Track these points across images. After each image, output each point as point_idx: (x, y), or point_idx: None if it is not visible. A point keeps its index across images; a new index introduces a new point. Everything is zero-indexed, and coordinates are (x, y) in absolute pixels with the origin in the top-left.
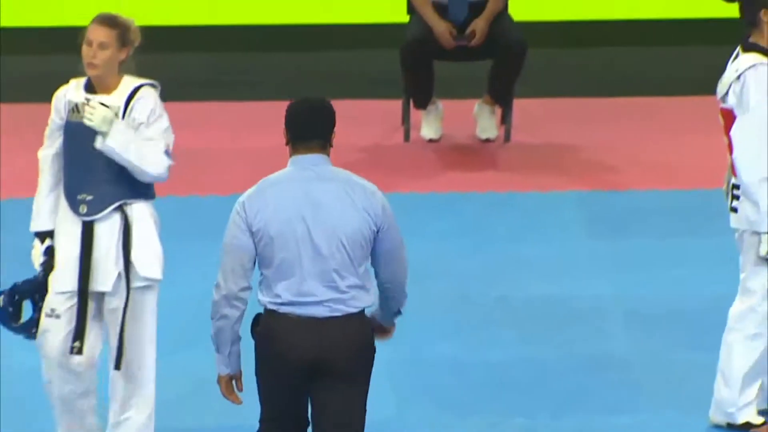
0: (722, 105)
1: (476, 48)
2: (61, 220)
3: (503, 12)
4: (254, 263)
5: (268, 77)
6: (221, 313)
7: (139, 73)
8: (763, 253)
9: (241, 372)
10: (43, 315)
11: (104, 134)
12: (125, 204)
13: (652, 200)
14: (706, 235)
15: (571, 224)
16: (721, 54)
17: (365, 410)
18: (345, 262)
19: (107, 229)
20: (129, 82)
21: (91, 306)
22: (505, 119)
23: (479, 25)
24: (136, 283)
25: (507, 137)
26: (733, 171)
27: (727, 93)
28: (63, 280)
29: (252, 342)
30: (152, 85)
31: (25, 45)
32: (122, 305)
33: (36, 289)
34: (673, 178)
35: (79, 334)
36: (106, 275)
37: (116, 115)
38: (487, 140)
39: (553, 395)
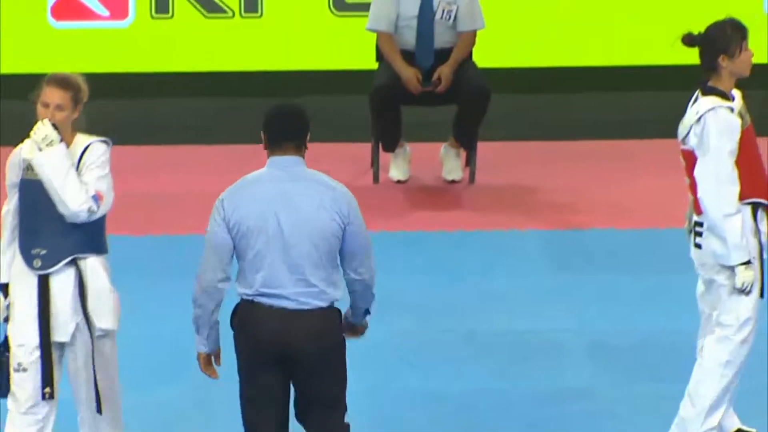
0: (683, 146)
1: (442, 94)
2: (17, 274)
3: (468, 59)
4: (232, 257)
5: (242, 122)
6: (200, 302)
7: (116, 117)
8: (738, 284)
9: (219, 350)
10: (11, 371)
11: (41, 150)
12: (78, 258)
13: (611, 239)
14: (663, 272)
15: (534, 261)
16: (676, 99)
17: (346, 384)
18: (313, 258)
19: (63, 282)
20: (82, 140)
21: (55, 354)
22: (470, 161)
23: (445, 72)
24: (95, 333)
25: (472, 179)
26: (695, 209)
27: (687, 134)
28: (23, 333)
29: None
30: (104, 141)
31: (24, 90)
32: (83, 354)
33: (5, 347)
34: (630, 218)
35: (48, 380)
36: (64, 326)
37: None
38: (453, 181)
39: (520, 426)
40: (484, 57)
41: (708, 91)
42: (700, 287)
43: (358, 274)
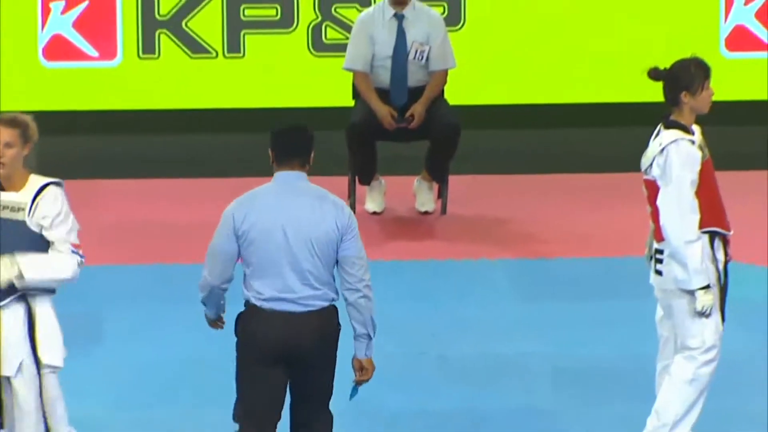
0: (646, 176)
1: (415, 130)
2: None
3: (440, 96)
4: (235, 263)
5: (226, 156)
6: (209, 303)
7: (105, 152)
8: (699, 308)
9: (222, 315)
10: None
11: (16, 279)
12: (28, 294)
13: (575, 267)
14: (623, 299)
15: (502, 289)
16: (635, 135)
17: (332, 387)
18: (316, 264)
19: (11, 318)
20: (35, 181)
21: (4, 387)
22: (442, 194)
23: (418, 109)
24: (42, 370)
25: (444, 210)
26: (656, 237)
27: (651, 165)
28: None
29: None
30: (57, 184)
31: None
32: (27, 390)
33: None
34: (593, 247)
35: None
36: (10, 361)
37: (22, 210)
38: (426, 213)
39: None
40: (455, 95)
41: (670, 125)
42: (659, 312)
43: (354, 285)
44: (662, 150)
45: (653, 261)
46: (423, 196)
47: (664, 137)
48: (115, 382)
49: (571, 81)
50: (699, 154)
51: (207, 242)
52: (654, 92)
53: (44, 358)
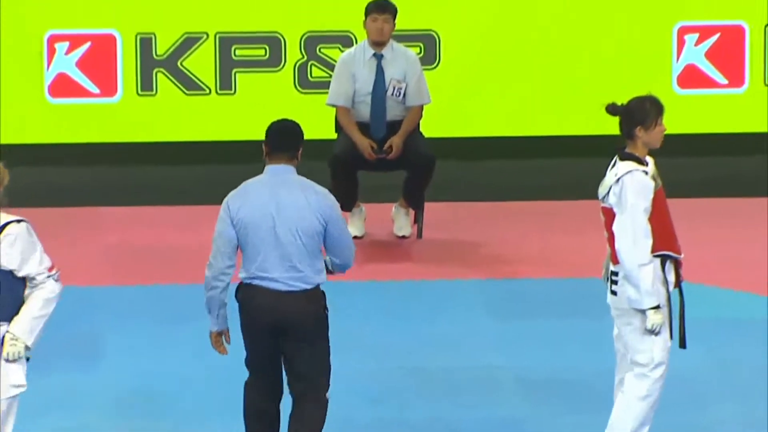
0: (603, 204)
1: (393, 160)
2: None
3: (416, 130)
4: (236, 247)
5: (218, 185)
6: (211, 285)
7: (107, 181)
8: (649, 326)
9: (227, 329)
10: None
11: (27, 351)
12: None
13: (540, 287)
14: (585, 316)
15: (473, 307)
16: (592, 165)
17: (329, 364)
18: (301, 249)
19: None
20: (3, 217)
21: None
22: (418, 219)
23: (395, 142)
24: (8, 394)
25: (419, 234)
26: (612, 260)
27: (607, 194)
28: None
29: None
30: (20, 221)
31: (24, 159)
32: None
33: None
34: (556, 269)
35: None
36: None
37: None
38: (403, 237)
39: None
40: (430, 128)
41: (625, 157)
42: (616, 329)
43: (340, 258)
44: (618, 180)
45: (609, 282)
46: (400, 221)
47: (619, 168)
48: (114, 395)
49: (537, 115)
50: (652, 183)
51: (202, 264)
52: (612, 126)
53: (7, 383)
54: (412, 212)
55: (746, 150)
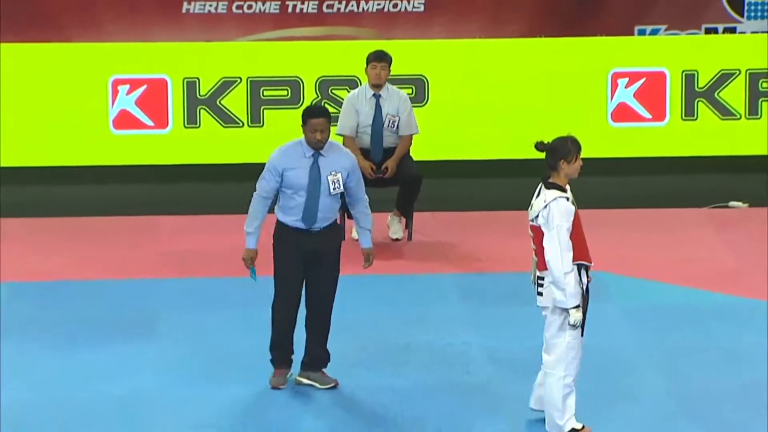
0: (532, 223)
1: (388, 179)
2: None
3: (407, 154)
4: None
5: (247, 197)
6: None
7: (159, 196)
8: (572, 322)
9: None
10: None
11: None
12: None
13: (508, 280)
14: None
15: (452, 296)
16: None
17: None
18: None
19: None
20: None
21: None
22: (408, 226)
23: (390, 164)
24: None
25: (410, 237)
26: (539, 266)
27: (537, 216)
28: None
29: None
30: None
31: (91, 177)
32: None
33: None
34: (521, 265)
35: None
36: None
37: None
38: (396, 240)
39: (438, 408)
40: (420, 152)
41: (550, 186)
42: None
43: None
44: (546, 206)
45: (536, 285)
46: (394, 227)
47: (547, 195)
48: (165, 366)
49: (503, 143)
50: (573, 208)
51: (233, 262)
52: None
53: None
54: (403, 220)
55: (668, 170)
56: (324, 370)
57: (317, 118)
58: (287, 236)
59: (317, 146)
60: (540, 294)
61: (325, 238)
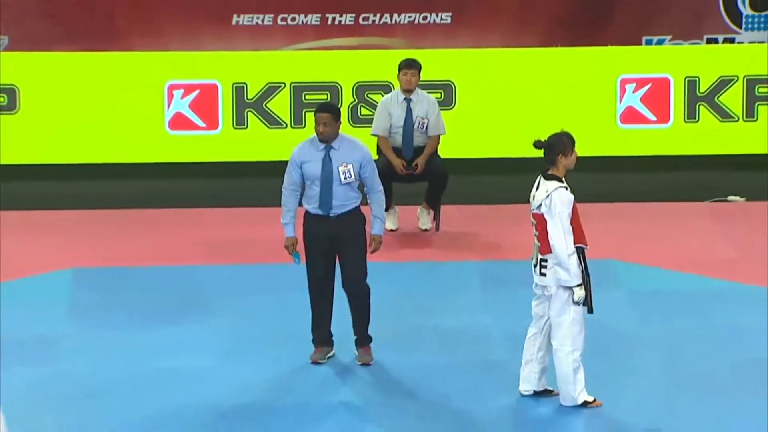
0: (535, 212)
1: (418, 175)
2: None
3: (435, 152)
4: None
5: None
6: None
7: (209, 188)
8: (576, 299)
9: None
10: None
11: None
12: None
13: (524, 267)
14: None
15: (474, 281)
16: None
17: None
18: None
19: None
20: None
21: None
22: (436, 217)
23: (420, 162)
24: None
25: (437, 228)
26: (542, 251)
27: (540, 205)
28: None
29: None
30: None
31: (150, 172)
32: None
33: None
34: (531, 253)
35: None
36: None
37: None
38: (425, 230)
39: (460, 384)
40: (448, 151)
41: (549, 177)
42: (536, 301)
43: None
44: (548, 195)
45: (539, 267)
46: (423, 218)
47: (548, 186)
48: (216, 344)
49: (523, 142)
50: (572, 196)
51: (275, 250)
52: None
53: None
54: (431, 212)
55: (672, 168)
56: (369, 346)
57: (321, 112)
58: (311, 223)
59: (322, 138)
60: (543, 275)
61: (345, 222)
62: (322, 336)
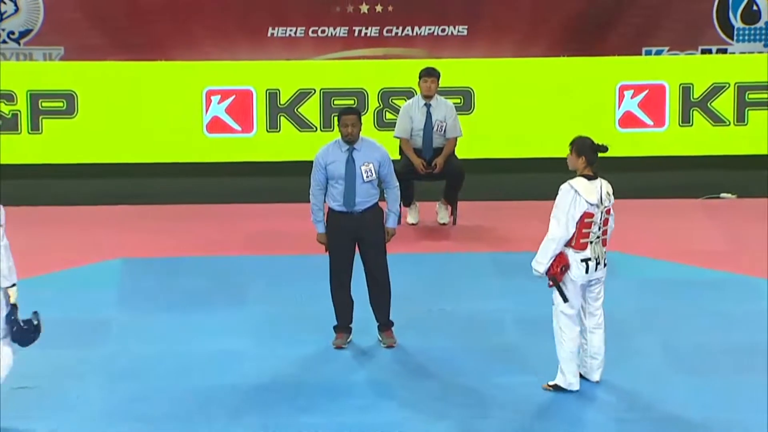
0: (606, 207)
1: (437, 173)
2: None
3: (452, 153)
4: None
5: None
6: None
7: (244, 185)
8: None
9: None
10: None
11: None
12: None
13: (531, 258)
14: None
15: (489, 270)
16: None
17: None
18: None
19: None
20: None
21: None
22: (453, 212)
23: (439, 161)
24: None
25: (454, 222)
26: (604, 243)
27: (610, 203)
28: None
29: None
30: None
31: (190, 171)
32: None
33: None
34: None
35: None
36: None
37: None
38: (443, 224)
39: (475, 365)
40: (462, 151)
41: (596, 176)
42: (580, 296)
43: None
44: (610, 193)
45: (603, 262)
46: (441, 213)
47: (607, 185)
48: (256, 326)
49: (535, 144)
50: None
51: (306, 241)
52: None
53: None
54: (449, 208)
55: (669, 167)
56: (392, 330)
57: (348, 114)
58: (334, 220)
59: (349, 138)
60: (605, 265)
61: (367, 217)
62: (341, 324)
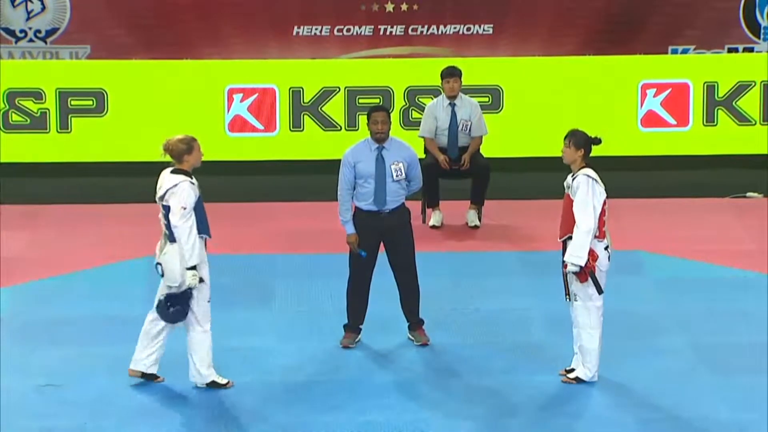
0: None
1: (463, 171)
2: None
3: (478, 150)
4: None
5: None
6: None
7: (267, 183)
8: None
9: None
10: None
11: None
12: None
13: (560, 257)
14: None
15: (515, 269)
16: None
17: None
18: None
19: None
20: None
21: None
22: (479, 212)
23: (466, 159)
24: None
25: (479, 221)
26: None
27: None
28: None
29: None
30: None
31: (211, 170)
32: None
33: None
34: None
35: None
36: None
37: None
38: (474, 227)
39: (501, 363)
40: (487, 150)
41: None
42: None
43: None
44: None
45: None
46: (471, 217)
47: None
48: (282, 324)
49: (559, 143)
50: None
51: (335, 240)
52: (600, 149)
53: None
54: (477, 212)
55: (695, 166)
56: (423, 327)
57: (378, 111)
58: (362, 219)
59: (378, 136)
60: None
61: (395, 217)
62: (351, 324)
